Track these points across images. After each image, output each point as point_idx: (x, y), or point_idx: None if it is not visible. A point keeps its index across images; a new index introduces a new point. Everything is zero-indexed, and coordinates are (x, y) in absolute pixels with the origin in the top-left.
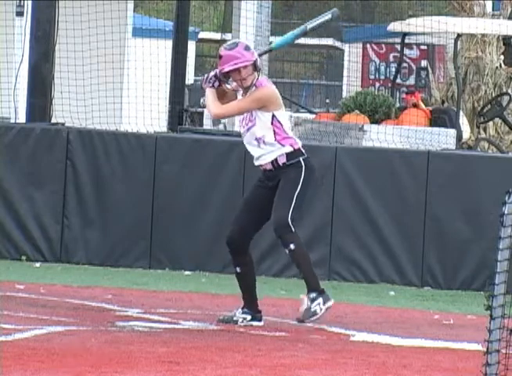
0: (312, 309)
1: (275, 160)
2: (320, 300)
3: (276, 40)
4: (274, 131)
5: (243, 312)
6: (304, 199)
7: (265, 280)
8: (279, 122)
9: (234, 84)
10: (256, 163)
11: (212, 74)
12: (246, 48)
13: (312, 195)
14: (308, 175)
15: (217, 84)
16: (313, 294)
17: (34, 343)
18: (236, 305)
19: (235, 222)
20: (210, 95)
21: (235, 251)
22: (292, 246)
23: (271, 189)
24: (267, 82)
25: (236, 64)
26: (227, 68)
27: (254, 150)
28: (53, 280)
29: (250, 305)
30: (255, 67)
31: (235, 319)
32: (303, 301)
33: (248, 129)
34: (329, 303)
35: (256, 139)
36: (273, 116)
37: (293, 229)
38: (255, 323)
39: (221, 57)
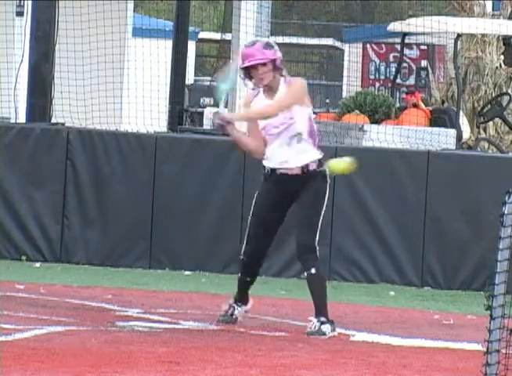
0: (323, 330)
1: (307, 165)
2: (329, 327)
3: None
4: (310, 131)
5: (238, 306)
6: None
7: (264, 280)
8: (311, 120)
9: (250, 84)
10: (281, 167)
11: (217, 122)
12: (267, 45)
13: None
14: (328, 185)
15: (222, 130)
16: (323, 318)
17: (34, 343)
18: (246, 305)
19: (250, 241)
20: (240, 134)
21: (250, 267)
22: (313, 270)
23: (286, 196)
24: (297, 78)
25: (250, 61)
26: (245, 64)
27: (283, 153)
28: (53, 280)
29: (244, 299)
30: (275, 66)
31: (235, 317)
32: (312, 322)
33: (286, 128)
34: (335, 333)
35: (292, 137)
36: (308, 111)
37: (318, 254)
38: (245, 307)
39: (241, 55)
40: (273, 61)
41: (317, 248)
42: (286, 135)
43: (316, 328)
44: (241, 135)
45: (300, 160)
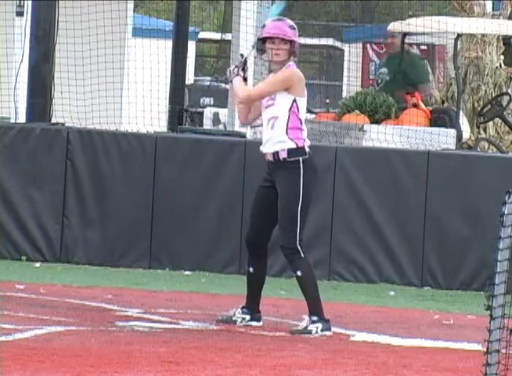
0: (309, 328)
1: (277, 153)
2: (320, 325)
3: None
4: (289, 117)
5: (242, 312)
6: (308, 208)
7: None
8: (298, 109)
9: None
10: (262, 150)
11: (233, 66)
12: (292, 27)
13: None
14: (308, 178)
15: (241, 72)
16: (315, 318)
17: (34, 343)
18: (236, 305)
19: (250, 226)
20: (237, 82)
21: (253, 252)
22: (299, 272)
23: (272, 186)
24: (295, 67)
25: (275, 33)
26: (265, 34)
27: (265, 132)
28: (53, 280)
29: (252, 304)
30: (290, 49)
31: (234, 318)
32: (304, 320)
33: (267, 107)
34: (329, 332)
35: (269, 120)
36: (294, 100)
37: (302, 255)
38: (254, 324)
39: (264, 26)
40: (293, 43)
41: (300, 249)
42: (268, 114)
43: (302, 327)
44: (239, 82)
45: (272, 146)
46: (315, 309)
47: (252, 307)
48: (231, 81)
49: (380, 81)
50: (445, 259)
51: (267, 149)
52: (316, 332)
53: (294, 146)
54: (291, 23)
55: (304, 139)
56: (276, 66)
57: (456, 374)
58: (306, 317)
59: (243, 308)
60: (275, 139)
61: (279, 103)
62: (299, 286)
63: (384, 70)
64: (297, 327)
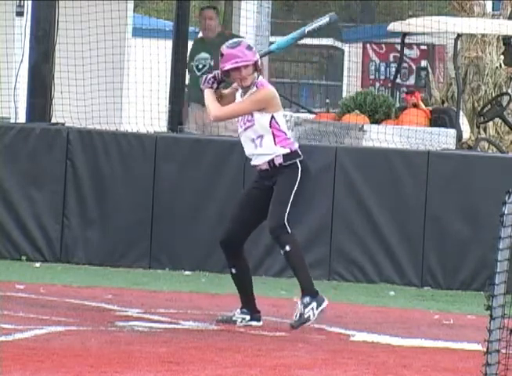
0: (306, 315)
1: (272, 160)
2: (314, 304)
3: (277, 41)
4: (273, 133)
5: (241, 313)
6: (299, 200)
7: (264, 280)
8: (278, 123)
9: (235, 84)
10: (252, 163)
11: (211, 75)
12: (249, 47)
13: (309, 196)
14: (304, 176)
15: (215, 85)
16: (306, 299)
17: (34, 343)
18: (236, 305)
19: (229, 222)
20: (209, 97)
21: (228, 252)
22: (288, 247)
23: (266, 189)
24: (267, 84)
25: (237, 63)
26: (228, 66)
27: (251, 150)
28: (53, 280)
29: (248, 305)
30: (256, 68)
31: (234, 319)
32: (297, 306)
33: (246, 129)
34: (324, 304)
35: (253, 140)
36: (272, 117)
37: (289, 230)
38: (254, 323)
39: (222, 55)
40: (255, 63)
41: (287, 225)
42: (250, 134)
43: (297, 317)
44: (211, 96)
45: (264, 157)
46: (306, 286)
47: (249, 307)
48: (201, 89)
49: (201, 66)
50: (445, 259)
51: (259, 160)
52: (314, 315)
53: (288, 150)
54: (246, 43)
55: (294, 142)
56: (244, 89)
57: (456, 374)
58: (298, 301)
59: (242, 308)
60: (266, 154)
61: (258, 122)
62: (288, 262)
63: (206, 54)
64: (295, 318)
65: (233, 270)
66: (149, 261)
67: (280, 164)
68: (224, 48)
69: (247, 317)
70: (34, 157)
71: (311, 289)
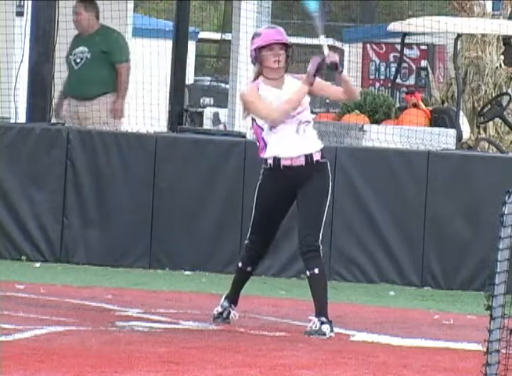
0: (323, 330)
1: (311, 155)
2: (328, 327)
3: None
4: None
5: (231, 309)
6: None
7: (264, 280)
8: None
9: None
10: (287, 155)
11: (318, 60)
12: (285, 33)
13: None
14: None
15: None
16: (323, 319)
17: (34, 343)
18: (237, 305)
19: (256, 230)
20: (304, 90)
21: (253, 256)
22: (317, 270)
23: (291, 190)
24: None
25: (277, 40)
26: (270, 41)
27: (291, 139)
28: (53, 280)
29: (234, 297)
30: (288, 54)
31: (229, 320)
32: (312, 321)
33: (297, 113)
34: (333, 334)
35: (300, 124)
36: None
37: (321, 254)
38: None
39: (259, 35)
40: (291, 48)
41: (320, 247)
42: (296, 121)
43: (317, 328)
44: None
45: (305, 148)
46: (324, 310)
47: (233, 300)
48: (314, 75)
49: (79, 60)
50: (445, 259)
51: (298, 152)
52: (329, 333)
53: (322, 146)
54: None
55: None
56: (274, 75)
57: (456, 374)
58: (314, 318)
59: (230, 305)
60: (309, 142)
61: (307, 107)
62: (312, 284)
63: (83, 48)
64: (311, 328)
65: (248, 269)
66: (149, 261)
67: (317, 162)
68: (262, 29)
69: (232, 306)
70: (34, 157)
71: (327, 315)
